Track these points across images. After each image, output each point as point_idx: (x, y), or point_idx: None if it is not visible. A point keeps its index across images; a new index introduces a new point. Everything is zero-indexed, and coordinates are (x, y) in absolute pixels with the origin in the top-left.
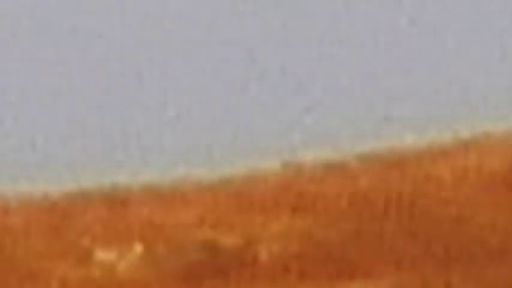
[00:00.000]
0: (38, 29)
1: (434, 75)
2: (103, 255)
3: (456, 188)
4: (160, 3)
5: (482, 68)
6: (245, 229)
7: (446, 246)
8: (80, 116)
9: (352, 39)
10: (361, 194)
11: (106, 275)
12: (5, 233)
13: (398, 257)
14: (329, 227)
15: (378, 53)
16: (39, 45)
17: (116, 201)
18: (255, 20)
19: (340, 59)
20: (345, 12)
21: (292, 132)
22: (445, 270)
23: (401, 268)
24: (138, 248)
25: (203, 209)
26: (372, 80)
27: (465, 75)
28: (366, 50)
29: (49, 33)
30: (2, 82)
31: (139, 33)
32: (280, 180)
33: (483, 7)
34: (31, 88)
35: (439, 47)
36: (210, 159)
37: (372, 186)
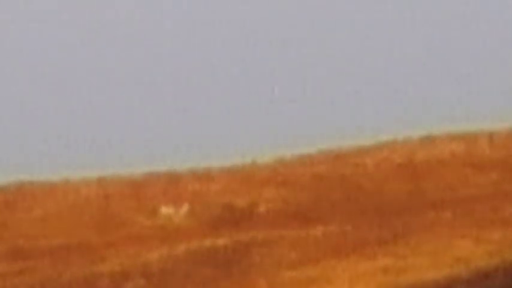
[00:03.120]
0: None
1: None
2: (165, 210)
3: (375, 171)
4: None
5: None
6: (250, 195)
7: (368, 205)
8: (152, 122)
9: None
10: (320, 174)
11: (166, 223)
12: (103, 198)
13: (341, 212)
14: (300, 194)
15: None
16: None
17: (172, 178)
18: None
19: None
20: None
21: (280, 135)
22: (366, 220)
23: (343, 219)
24: (186, 207)
25: (225, 184)
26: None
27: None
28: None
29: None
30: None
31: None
32: (272, 167)
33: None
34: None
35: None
36: (230, 153)
37: (327, 169)
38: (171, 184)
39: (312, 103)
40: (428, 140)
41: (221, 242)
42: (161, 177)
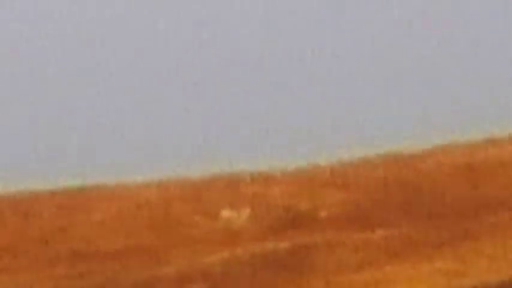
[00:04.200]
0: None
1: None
2: (226, 213)
3: (435, 173)
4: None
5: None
6: (311, 198)
7: (428, 208)
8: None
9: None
10: (380, 177)
11: (227, 226)
12: (164, 201)
13: (401, 215)
14: (361, 197)
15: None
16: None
17: (233, 181)
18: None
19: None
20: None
21: (341, 138)
22: (426, 222)
23: (403, 222)
24: (247, 210)
25: (286, 187)
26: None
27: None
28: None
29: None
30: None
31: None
32: (333, 169)
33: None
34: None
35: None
36: (291, 156)
37: (387, 172)
38: (232, 187)
39: (372, 106)
40: (489, 142)
41: (282, 245)
42: (222, 180)
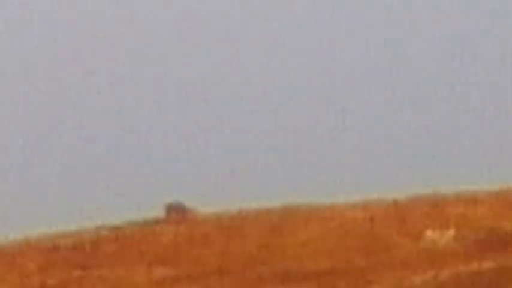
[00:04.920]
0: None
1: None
2: (430, 234)
3: None
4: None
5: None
6: None
7: None
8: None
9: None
10: None
11: (431, 247)
12: (368, 221)
13: None
14: None
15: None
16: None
17: (437, 202)
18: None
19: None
20: None
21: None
22: None
23: None
24: (452, 231)
25: (491, 207)
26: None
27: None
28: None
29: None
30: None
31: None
32: None
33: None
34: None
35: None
36: (495, 178)
37: None
38: (437, 208)
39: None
40: None
41: (487, 265)
42: (426, 201)
